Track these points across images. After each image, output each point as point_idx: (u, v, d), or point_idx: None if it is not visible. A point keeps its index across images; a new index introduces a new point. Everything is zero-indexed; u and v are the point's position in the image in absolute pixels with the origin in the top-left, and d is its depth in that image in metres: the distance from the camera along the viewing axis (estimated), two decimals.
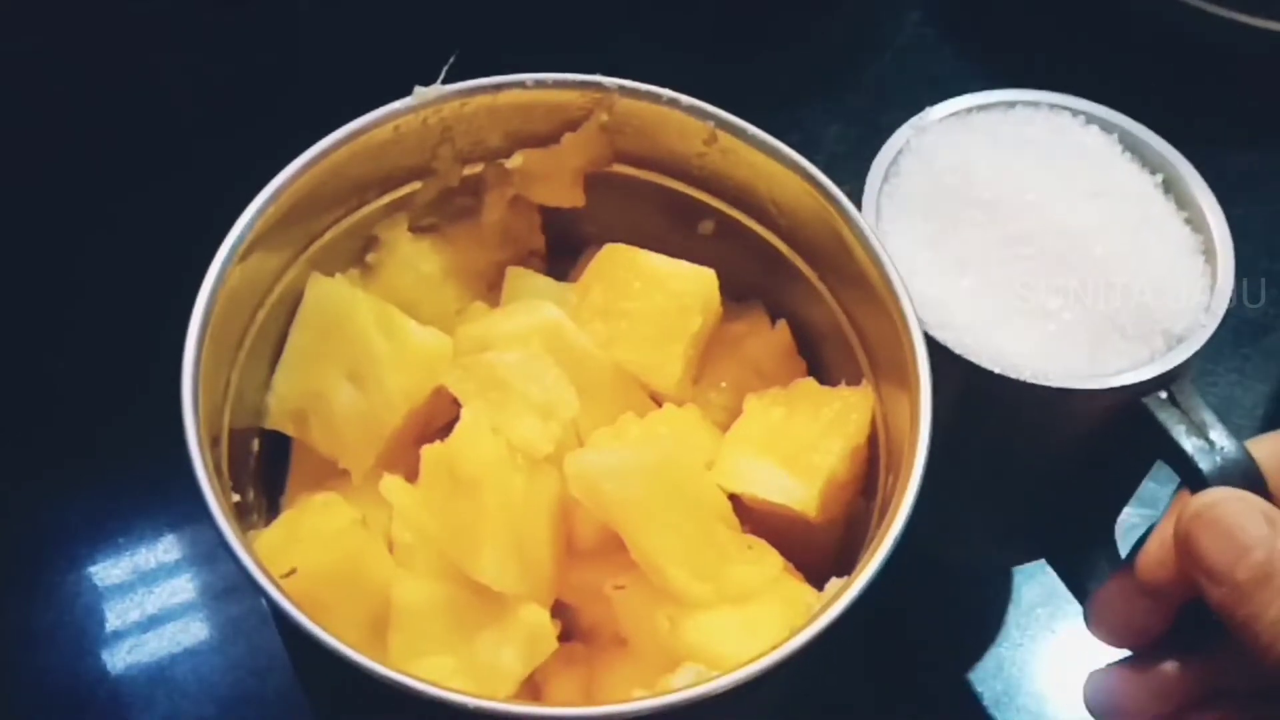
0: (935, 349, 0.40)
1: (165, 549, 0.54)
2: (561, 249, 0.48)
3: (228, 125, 0.63)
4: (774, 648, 0.34)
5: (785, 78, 0.69)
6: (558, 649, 0.39)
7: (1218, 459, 0.40)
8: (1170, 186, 0.46)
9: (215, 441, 0.39)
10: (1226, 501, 0.38)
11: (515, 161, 0.46)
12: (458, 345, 0.43)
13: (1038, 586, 0.55)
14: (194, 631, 0.52)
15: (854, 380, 0.44)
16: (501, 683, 0.39)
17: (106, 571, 0.53)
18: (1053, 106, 0.48)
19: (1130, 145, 0.47)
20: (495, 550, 0.39)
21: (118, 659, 0.51)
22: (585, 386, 0.42)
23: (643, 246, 0.45)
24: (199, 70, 0.66)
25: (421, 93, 0.43)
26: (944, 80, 0.70)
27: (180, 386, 0.37)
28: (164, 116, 0.64)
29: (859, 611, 0.35)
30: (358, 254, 0.45)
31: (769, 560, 0.41)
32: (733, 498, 0.42)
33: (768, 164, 0.44)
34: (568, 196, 0.47)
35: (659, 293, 0.44)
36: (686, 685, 0.34)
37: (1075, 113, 0.48)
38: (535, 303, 0.44)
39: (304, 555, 0.39)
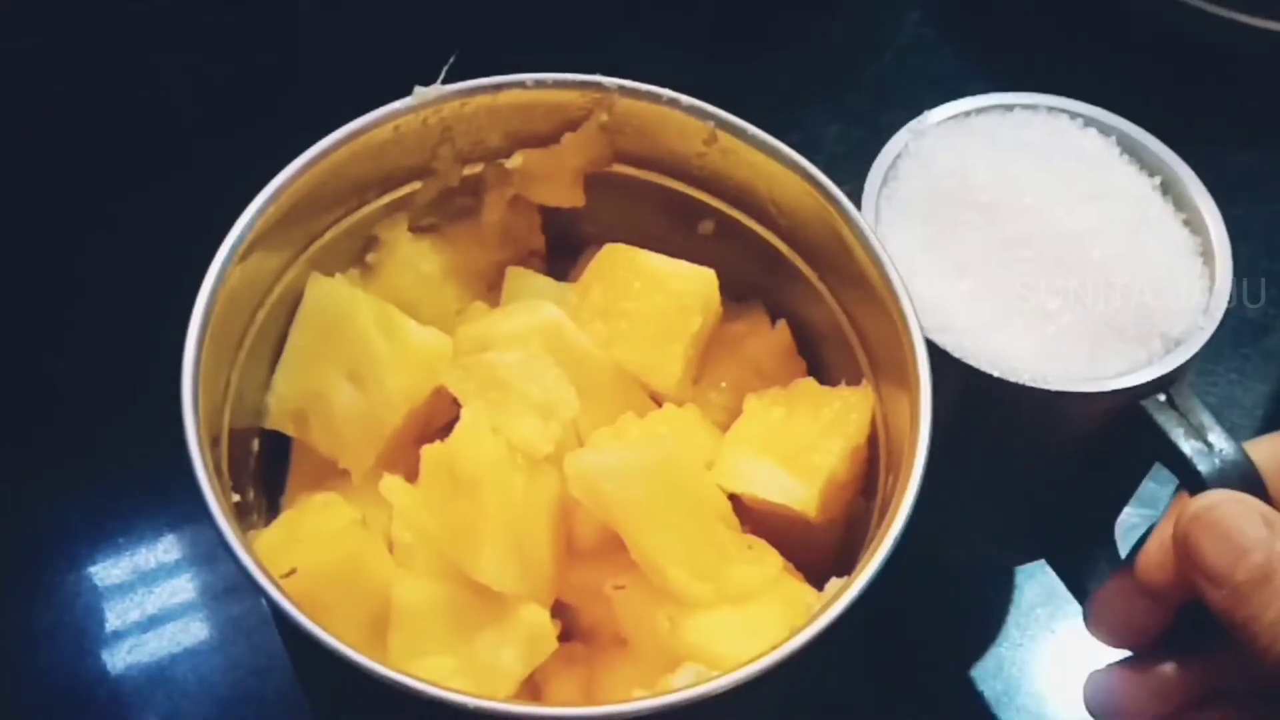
0: (934, 352, 0.40)
1: (165, 549, 0.54)
2: (561, 249, 0.48)
3: (228, 125, 0.63)
4: (774, 648, 0.34)
5: (785, 78, 0.69)
6: (558, 649, 0.39)
7: (1216, 461, 0.40)
8: (1168, 188, 0.46)
9: (215, 441, 0.39)
10: (1225, 504, 0.38)
11: (515, 161, 0.46)
12: (458, 345, 0.43)
13: (1038, 586, 0.55)
14: (194, 631, 0.52)
15: (854, 380, 0.44)
16: (501, 683, 0.39)
17: (106, 571, 0.53)
18: (1050, 109, 0.48)
19: (1128, 147, 0.47)
20: (495, 550, 0.39)
21: (118, 659, 0.51)
22: (585, 386, 0.42)
23: (643, 246, 0.45)
24: (199, 70, 0.66)
25: (421, 93, 0.43)
26: (944, 80, 0.70)
27: (180, 386, 0.37)
28: (164, 116, 0.64)
29: (859, 611, 0.35)
30: (358, 254, 0.45)
31: (769, 560, 0.41)
32: (733, 498, 0.42)
33: (768, 164, 0.44)
34: (568, 196, 0.47)
35: (659, 293, 0.44)
36: (686, 685, 0.34)
37: (1073, 115, 0.48)
38: (535, 303, 0.44)
39: (304, 555, 0.39)
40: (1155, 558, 0.40)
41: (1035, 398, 0.42)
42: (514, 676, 0.39)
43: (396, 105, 0.43)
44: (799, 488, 0.41)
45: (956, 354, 0.42)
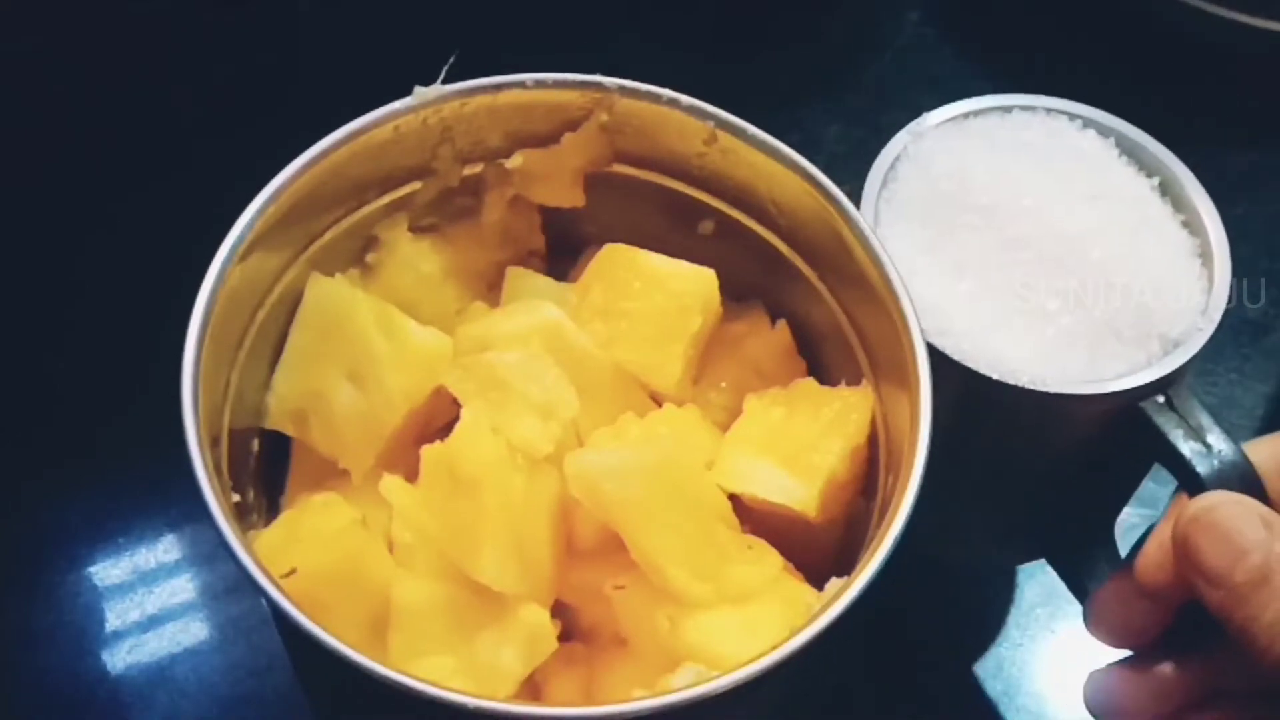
0: (934, 354, 0.40)
1: (165, 549, 0.54)
2: (561, 249, 0.48)
3: (228, 125, 0.63)
4: (774, 648, 0.34)
5: (785, 78, 0.69)
6: (558, 649, 0.39)
7: (1215, 463, 0.40)
8: (1167, 189, 0.46)
9: (215, 441, 0.39)
10: (1224, 505, 0.38)
11: (515, 161, 0.46)
12: (458, 345, 0.43)
13: (1038, 586, 0.55)
14: (194, 631, 0.52)
15: (854, 380, 0.44)
16: (501, 683, 0.39)
17: (106, 571, 0.53)
18: (1049, 111, 0.48)
19: (1127, 148, 0.47)
20: (495, 550, 0.39)
21: (118, 659, 0.51)
22: (585, 386, 0.42)
23: (643, 246, 0.45)
24: (199, 70, 0.66)
25: (421, 93, 0.43)
26: (944, 80, 0.70)
27: (180, 386, 0.37)
28: (164, 116, 0.64)
29: (859, 611, 0.35)
30: (358, 254, 0.45)
31: (769, 560, 0.41)
32: (733, 498, 0.42)
33: (768, 164, 0.44)
34: (568, 196, 0.47)
35: (659, 293, 0.44)
36: (686, 685, 0.34)
37: (1072, 117, 0.48)
38: (535, 303, 0.44)
39: (304, 555, 0.39)
40: (1154, 558, 0.40)
41: (1034, 400, 0.42)
42: (514, 676, 0.39)
43: (396, 105, 0.43)
44: (799, 488, 0.41)
45: (956, 356, 0.42)
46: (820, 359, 0.46)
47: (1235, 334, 0.62)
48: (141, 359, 0.43)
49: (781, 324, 0.47)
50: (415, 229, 0.46)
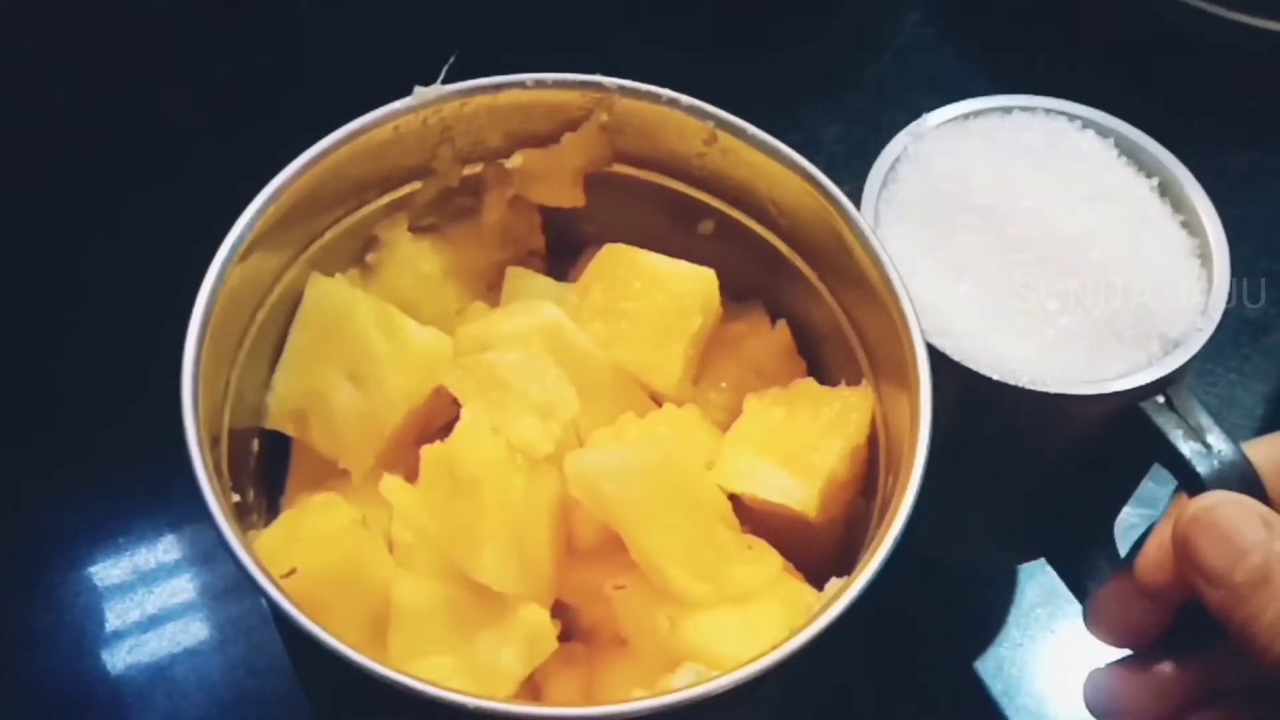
0: (934, 355, 0.40)
1: (165, 549, 0.54)
2: (561, 249, 0.48)
3: (228, 125, 0.63)
4: (774, 648, 0.34)
5: (785, 78, 0.69)
6: (558, 649, 0.39)
7: (1215, 463, 0.40)
8: (1166, 190, 0.46)
9: (215, 441, 0.39)
10: (1224, 505, 0.38)
11: (515, 161, 0.46)
12: (458, 345, 0.43)
13: (1038, 586, 0.55)
14: (194, 631, 0.52)
15: (854, 380, 0.44)
16: (501, 683, 0.39)
17: (106, 571, 0.53)
18: (1049, 111, 0.48)
19: (1126, 149, 0.47)
20: (495, 550, 0.39)
21: (118, 659, 0.51)
22: (585, 386, 0.42)
23: (643, 246, 0.45)
24: (199, 70, 0.66)
25: (421, 93, 0.43)
26: (944, 80, 0.70)
27: (180, 386, 0.37)
28: (164, 117, 0.64)
29: (859, 611, 0.35)
30: (358, 254, 0.45)
31: (769, 560, 0.41)
32: (733, 498, 0.42)
33: (768, 164, 0.44)
34: (568, 196, 0.47)
35: (659, 293, 0.44)
36: (686, 685, 0.34)
37: (1071, 117, 0.48)
38: (535, 303, 0.44)
39: (304, 555, 0.39)
40: (1154, 558, 0.40)
41: (1035, 400, 0.42)
42: (514, 676, 0.39)
43: (396, 105, 0.43)
44: (799, 488, 0.41)
45: (956, 357, 0.42)
46: (820, 359, 0.46)
47: (1235, 334, 0.62)
48: (141, 359, 0.43)
49: (781, 324, 0.47)
50: (415, 229, 0.46)
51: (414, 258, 0.46)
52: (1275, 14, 0.65)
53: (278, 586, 0.35)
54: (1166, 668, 0.42)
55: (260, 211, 0.40)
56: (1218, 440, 0.41)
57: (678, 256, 0.45)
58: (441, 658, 0.39)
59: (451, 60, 0.43)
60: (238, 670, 0.51)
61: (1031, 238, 0.44)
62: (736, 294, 0.47)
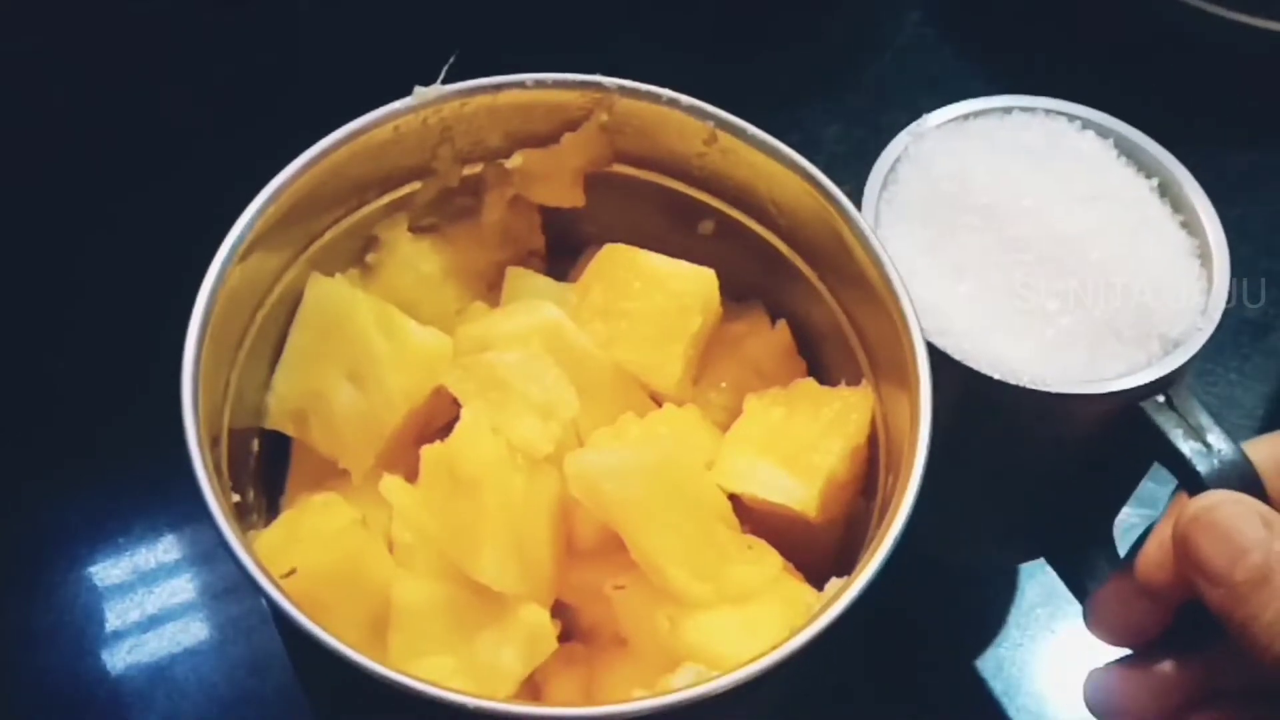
0: (934, 354, 0.40)
1: (165, 549, 0.54)
2: (561, 249, 0.48)
3: (228, 125, 0.63)
4: (774, 648, 0.34)
5: (785, 78, 0.69)
6: (558, 649, 0.39)
7: (1215, 462, 0.40)
8: (1166, 190, 0.46)
9: (215, 441, 0.39)
10: (1224, 504, 0.38)
11: (515, 161, 0.46)
12: (458, 345, 0.43)
13: (1038, 586, 0.55)
14: (194, 631, 0.52)
15: (854, 380, 0.44)
16: (501, 683, 0.39)
17: (106, 571, 0.53)
18: (1048, 112, 0.48)
19: (1125, 149, 0.47)
20: (495, 550, 0.39)
21: (118, 659, 0.51)
22: (585, 386, 0.42)
23: (643, 246, 0.45)
24: (199, 70, 0.66)
25: (421, 93, 0.43)
26: (944, 80, 0.70)
27: (180, 386, 0.37)
28: (164, 117, 0.64)
29: (859, 611, 0.35)
30: (358, 254, 0.45)
31: (769, 560, 0.41)
32: (733, 498, 0.42)
33: (768, 164, 0.44)
34: (568, 196, 0.47)
35: (659, 293, 0.44)
36: (686, 685, 0.34)
37: (1071, 118, 0.48)
38: (535, 303, 0.44)
39: (304, 555, 0.39)
40: (1154, 557, 0.40)
41: (1035, 400, 0.42)
42: (514, 676, 0.39)
43: (396, 105, 0.43)
44: (799, 488, 0.41)
45: (956, 356, 0.42)
46: (820, 359, 0.46)
47: (1235, 334, 0.62)
48: (141, 359, 0.43)
49: (781, 324, 0.47)
50: (415, 229, 0.46)
51: (414, 258, 0.46)
52: (1275, 14, 0.65)
53: (278, 586, 0.35)
54: (1166, 667, 0.42)
55: (260, 211, 0.40)
56: (1218, 440, 0.41)
57: (678, 256, 0.45)
58: (441, 658, 0.39)
59: (451, 60, 0.43)
60: (238, 670, 0.51)
61: (1031, 238, 0.44)
62: (736, 294, 0.47)
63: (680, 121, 0.44)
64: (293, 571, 0.38)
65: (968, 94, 0.48)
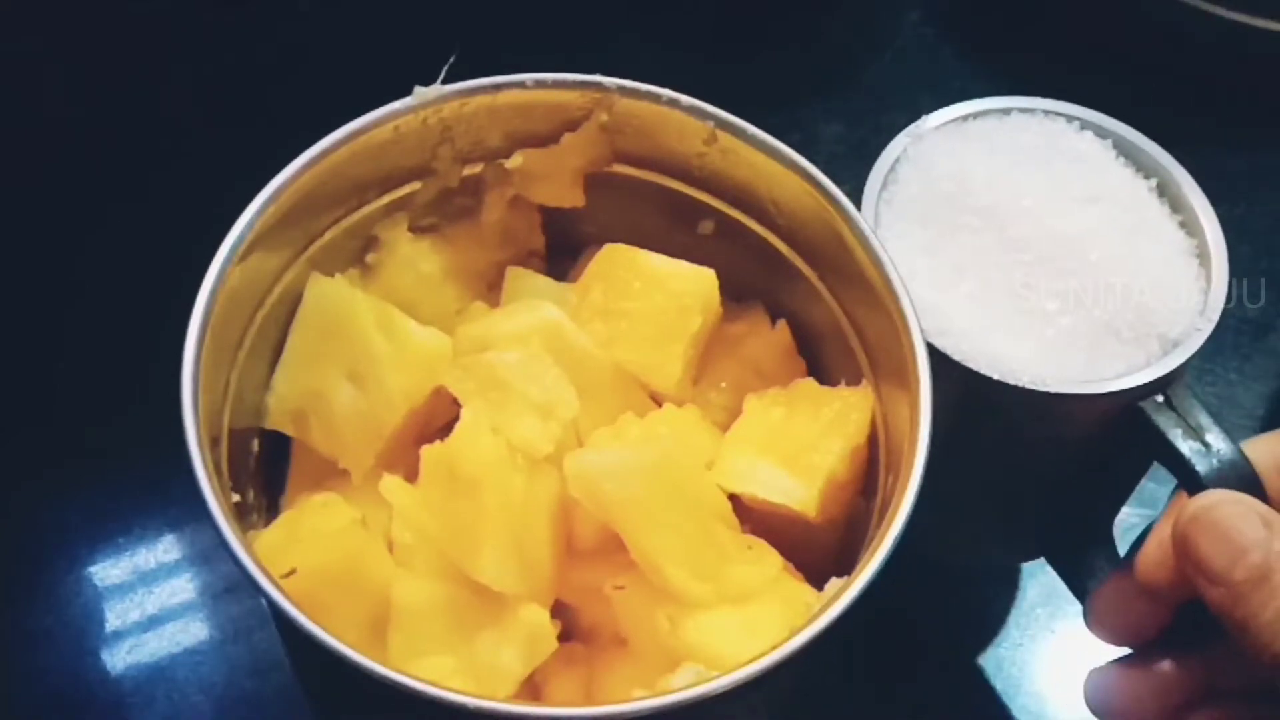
0: (934, 355, 0.40)
1: (165, 549, 0.54)
2: (561, 249, 0.48)
3: (228, 126, 0.63)
4: (774, 648, 0.34)
5: (785, 78, 0.69)
6: (558, 649, 0.39)
7: (1214, 461, 0.40)
8: (1164, 190, 0.46)
9: (215, 441, 0.39)
10: (1223, 504, 0.38)
11: (515, 161, 0.46)
12: (458, 345, 0.43)
13: (1038, 586, 0.55)
14: (194, 631, 0.52)
15: (854, 380, 0.44)
16: (501, 683, 0.39)
17: (106, 571, 0.53)
18: (1047, 113, 0.48)
19: (1124, 150, 0.47)
20: (495, 550, 0.39)
21: (118, 659, 0.51)
22: (585, 386, 0.42)
23: (643, 246, 0.45)
24: (199, 70, 0.66)
25: (421, 93, 0.43)
26: (944, 80, 0.70)
27: (180, 386, 0.37)
28: (164, 117, 0.64)
29: (859, 611, 0.35)
30: (358, 254, 0.45)
31: (769, 560, 0.41)
32: (733, 498, 0.42)
33: (768, 164, 0.44)
34: (568, 196, 0.47)
35: (659, 293, 0.44)
36: (686, 685, 0.34)
37: (1069, 119, 0.48)
38: (535, 303, 0.44)
39: (304, 555, 0.39)
40: (1154, 557, 0.40)
41: (1034, 400, 0.42)
42: (514, 676, 0.39)
43: (396, 105, 0.43)
44: (799, 488, 0.41)
45: (956, 357, 0.42)
46: (820, 359, 0.46)
47: (1235, 334, 0.62)
48: (141, 359, 0.43)
49: (781, 324, 0.47)
50: (415, 229, 0.46)
51: (414, 258, 0.46)
52: (1275, 14, 0.65)
53: (278, 586, 0.35)
54: (1167, 666, 0.42)
55: (260, 211, 0.40)
56: (1216, 439, 0.41)
57: (678, 256, 0.45)
58: (441, 658, 0.39)
59: (451, 60, 0.43)
60: (238, 670, 0.51)
61: (1031, 238, 0.44)
62: (736, 294, 0.47)
63: (680, 121, 0.44)
64: (293, 571, 0.38)
65: (967, 94, 0.48)
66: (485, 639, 0.39)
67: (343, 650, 0.33)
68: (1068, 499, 0.46)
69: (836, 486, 0.42)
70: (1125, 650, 0.44)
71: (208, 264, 0.39)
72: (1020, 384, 0.42)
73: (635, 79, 0.44)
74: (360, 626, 0.40)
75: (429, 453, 0.40)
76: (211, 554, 0.54)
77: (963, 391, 0.42)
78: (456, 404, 0.41)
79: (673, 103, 0.44)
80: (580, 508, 0.40)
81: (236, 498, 0.40)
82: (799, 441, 0.42)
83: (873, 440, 0.43)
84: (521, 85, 0.44)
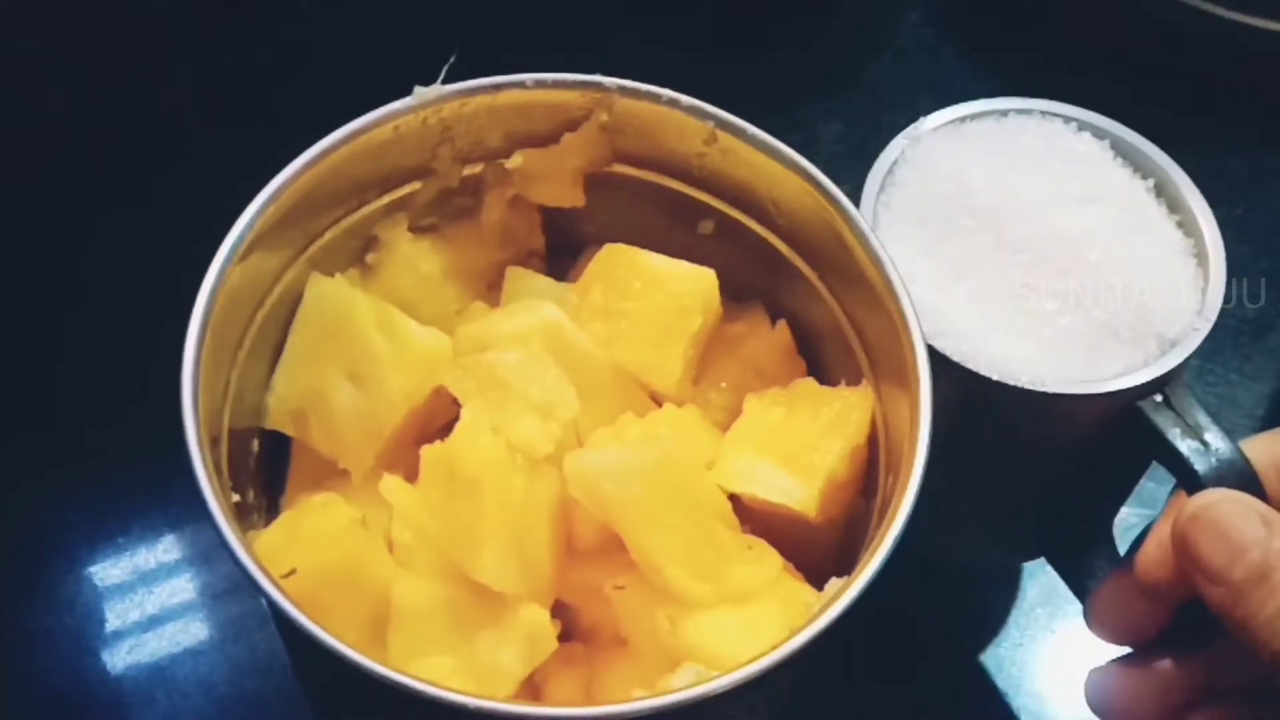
0: (933, 355, 0.40)
1: (165, 549, 0.54)
2: (561, 249, 0.48)
3: (228, 126, 0.63)
4: (774, 648, 0.34)
5: (785, 78, 0.69)
6: (558, 649, 0.39)
7: (1213, 461, 0.40)
8: (1162, 190, 0.47)
9: (215, 441, 0.39)
10: (1222, 503, 0.38)
11: (515, 161, 0.46)
12: (458, 345, 0.43)
13: (1038, 586, 0.55)
14: (194, 631, 0.52)
15: (854, 380, 0.44)
16: (501, 683, 0.39)
17: (106, 571, 0.53)
18: (1045, 114, 0.48)
19: (1122, 150, 0.47)
20: (495, 550, 0.39)
21: (118, 659, 0.51)
22: (585, 386, 0.42)
23: (643, 246, 0.45)
24: (199, 70, 0.66)
25: (421, 93, 0.43)
26: (943, 80, 0.70)
27: (180, 386, 0.37)
28: (164, 116, 0.64)
29: (859, 611, 0.35)
30: (358, 254, 0.45)
31: (769, 560, 0.41)
32: (733, 498, 0.42)
33: (768, 164, 0.44)
34: (568, 196, 0.47)
35: (659, 293, 0.44)
36: (686, 685, 0.34)
37: (1067, 120, 0.48)
38: (535, 303, 0.44)
39: (304, 555, 0.39)
40: (1154, 556, 0.40)
41: (1033, 400, 0.42)
42: (514, 676, 0.39)
43: (396, 105, 0.43)
44: (799, 488, 0.41)
45: (955, 357, 0.42)
46: (820, 359, 0.46)
47: (1235, 333, 0.62)
48: (141, 359, 0.43)
49: (781, 324, 0.47)
50: (415, 229, 0.46)
51: (414, 258, 0.46)
52: (1275, 14, 0.65)
53: (278, 586, 0.35)
54: (1167, 666, 0.42)
55: (260, 211, 0.40)
56: (1215, 438, 0.41)
57: (678, 256, 0.45)
58: (441, 658, 0.39)
59: (451, 60, 0.43)
60: (238, 670, 0.51)
61: (1029, 239, 0.44)
62: (736, 294, 0.47)
63: (680, 121, 0.44)
64: (293, 571, 0.38)
65: (967, 94, 0.48)
66: (485, 639, 0.39)
67: (343, 650, 0.33)
68: (1067, 499, 0.46)
69: (836, 486, 0.42)
70: (1125, 650, 0.44)
71: (208, 264, 0.39)
72: (1019, 384, 0.42)
73: (635, 79, 0.44)
74: (360, 626, 0.40)
75: (429, 453, 0.40)
76: (211, 554, 0.54)
77: (962, 392, 0.42)
78: (456, 404, 0.41)
79: (673, 103, 0.44)
80: (580, 508, 0.40)
81: (236, 498, 0.40)
82: (799, 441, 0.42)
83: (873, 440, 0.43)
84: (521, 85, 0.44)
